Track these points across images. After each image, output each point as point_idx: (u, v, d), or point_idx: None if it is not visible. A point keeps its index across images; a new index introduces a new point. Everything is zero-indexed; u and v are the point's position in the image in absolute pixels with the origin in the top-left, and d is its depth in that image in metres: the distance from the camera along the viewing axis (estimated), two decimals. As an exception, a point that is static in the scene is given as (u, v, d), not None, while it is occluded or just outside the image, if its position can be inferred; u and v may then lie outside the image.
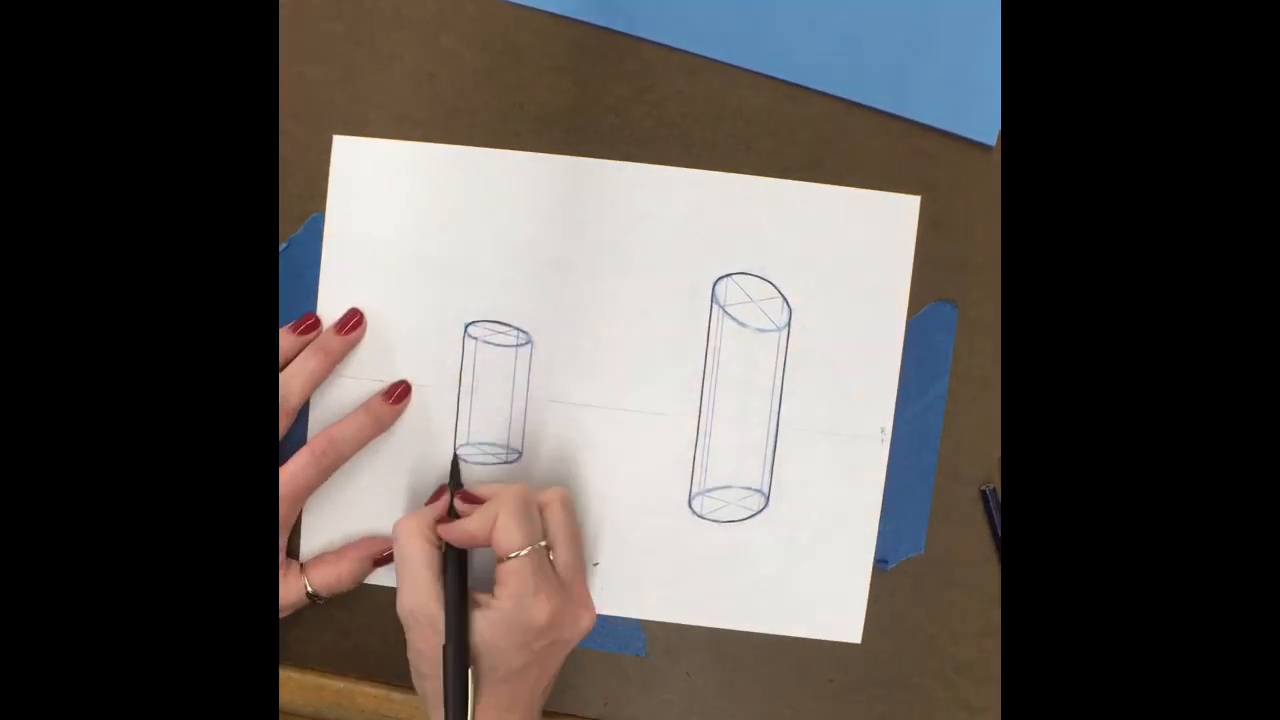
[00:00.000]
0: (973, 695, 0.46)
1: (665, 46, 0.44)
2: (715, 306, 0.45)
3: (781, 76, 0.44)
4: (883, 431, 0.45)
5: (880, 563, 0.45)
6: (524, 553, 0.39)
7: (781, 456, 0.45)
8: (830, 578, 0.46)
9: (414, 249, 0.45)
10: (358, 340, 0.45)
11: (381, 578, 0.46)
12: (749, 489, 0.45)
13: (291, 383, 0.43)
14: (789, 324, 0.45)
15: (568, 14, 0.44)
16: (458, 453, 0.45)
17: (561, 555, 0.41)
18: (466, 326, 0.45)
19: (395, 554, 0.41)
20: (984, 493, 0.45)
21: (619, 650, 0.46)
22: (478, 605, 0.40)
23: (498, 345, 0.45)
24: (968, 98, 0.43)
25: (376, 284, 0.45)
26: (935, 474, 0.45)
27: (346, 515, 0.46)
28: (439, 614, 0.39)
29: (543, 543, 0.40)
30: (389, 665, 0.46)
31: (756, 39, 0.43)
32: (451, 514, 0.42)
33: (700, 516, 0.45)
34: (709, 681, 0.46)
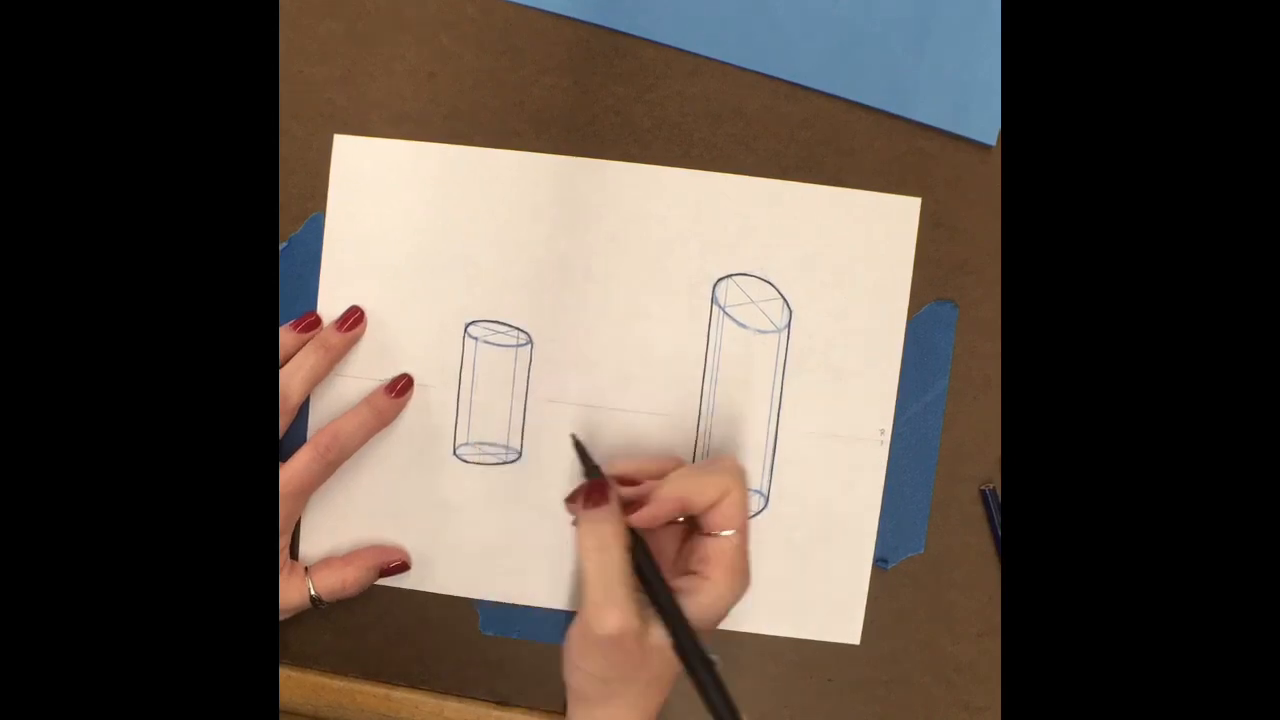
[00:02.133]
0: (973, 695, 0.46)
1: (665, 46, 0.44)
2: (715, 307, 0.45)
3: (781, 76, 0.44)
4: (882, 433, 0.45)
5: (880, 563, 0.45)
6: (737, 532, 0.38)
7: (781, 457, 0.45)
8: (830, 578, 0.46)
9: (414, 249, 0.45)
10: (358, 337, 0.45)
11: (384, 578, 0.46)
12: (749, 490, 0.45)
13: (291, 380, 0.43)
14: (789, 325, 0.45)
15: (568, 14, 0.44)
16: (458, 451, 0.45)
17: (745, 536, 0.39)
18: (466, 326, 0.45)
19: (593, 562, 0.36)
20: (984, 493, 0.45)
21: (619, 650, 0.46)
22: (680, 590, 0.37)
23: (498, 345, 0.45)
24: (968, 98, 0.43)
25: (376, 284, 0.45)
26: (935, 474, 0.45)
27: (346, 516, 0.46)
28: (643, 628, 0.36)
29: None
30: (389, 665, 0.46)
31: (756, 39, 0.43)
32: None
33: (700, 516, 0.45)
34: (709, 681, 0.46)
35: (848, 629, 0.46)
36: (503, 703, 0.47)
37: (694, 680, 0.36)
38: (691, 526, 0.40)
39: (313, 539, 0.46)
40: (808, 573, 0.46)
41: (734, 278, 0.45)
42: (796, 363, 0.45)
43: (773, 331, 0.45)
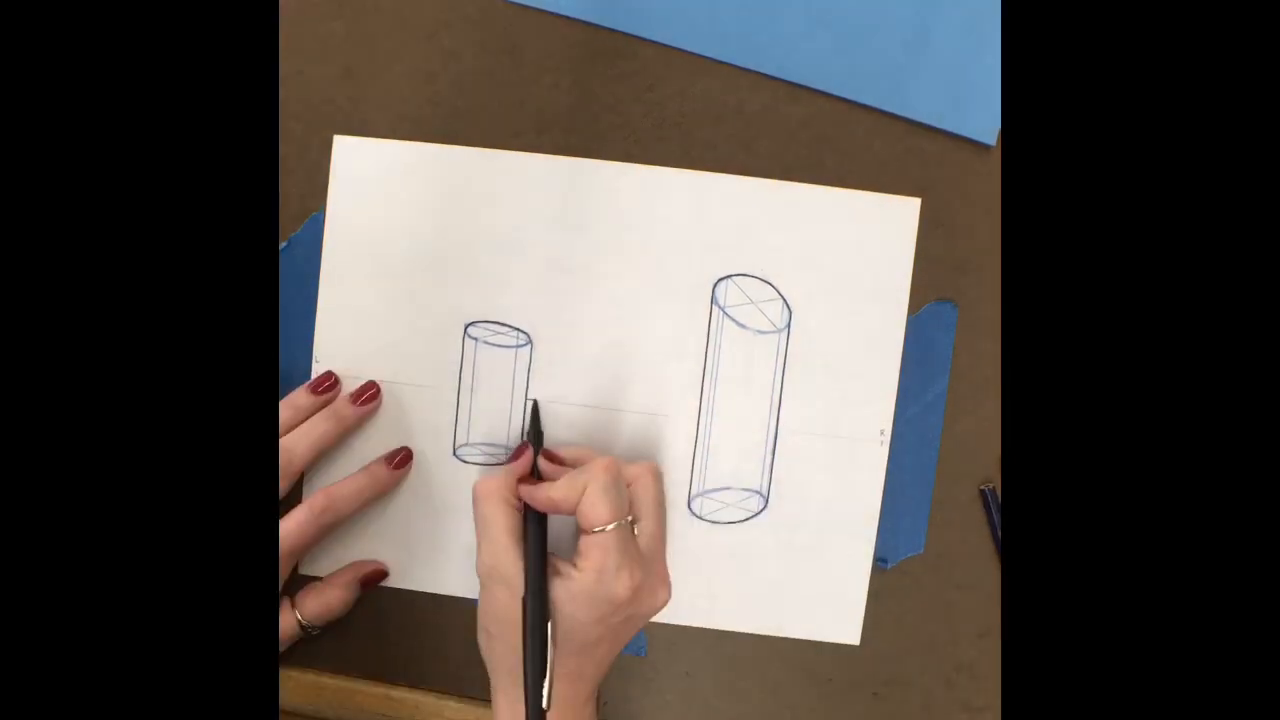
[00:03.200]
0: (973, 695, 0.46)
1: (665, 46, 0.44)
2: (715, 308, 0.45)
3: (781, 76, 0.44)
4: (882, 433, 0.45)
5: (880, 562, 0.45)
6: (610, 527, 0.39)
7: (781, 458, 0.45)
8: (830, 579, 0.46)
9: (414, 249, 0.45)
10: (372, 413, 0.45)
11: (367, 589, 0.46)
12: (748, 490, 0.45)
13: (298, 444, 0.43)
14: (789, 325, 0.45)
15: (568, 14, 0.44)
16: (457, 452, 0.45)
17: (646, 529, 0.41)
18: (466, 327, 0.45)
19: (475, 514, 0.41)
20: (984, 493, 0.45)
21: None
22: (557, 573, 0.39)
23: (497, 345, 0.45)
24: (968, 98, 0.43)
25: (376, 284, 0.45)
26: (935, 474, 0.45)
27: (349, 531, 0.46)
28: (517, 575, 0.39)
29: (629, 517, 0.40)
30: (389, 665, 0.46)
31: (756, 39, 0.43)
32: (534, 472, 0.42)
33: (700, 518, 0.45)
34: (709, 681, 0.46)
35: (848, 629, 0.46)
36: (503, 703, 0.47)
37: (521, 642, 0.38)
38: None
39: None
40: (808, 573, 0.46)
41: (734, 278, 0.45)
42: (796, 363, 0.45)
43: (773, 332, 0.45)
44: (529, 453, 0.43)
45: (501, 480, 0.41)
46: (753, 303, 0.45)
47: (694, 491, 0.45)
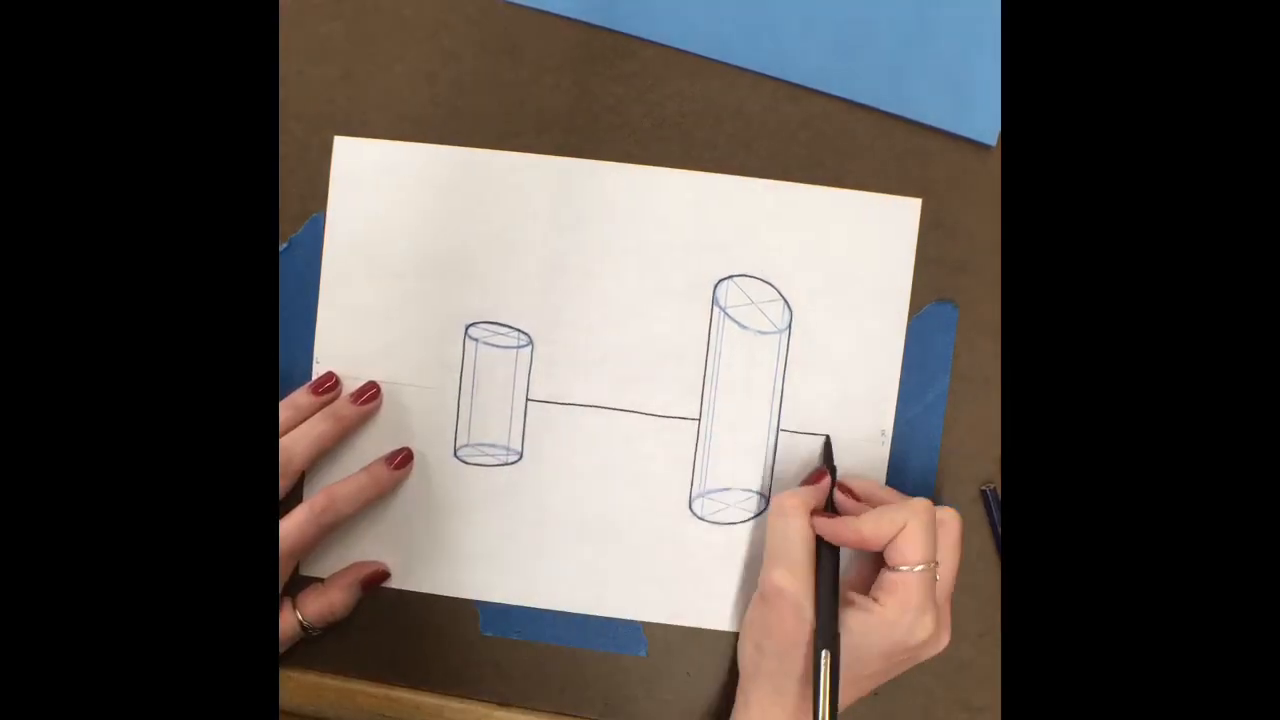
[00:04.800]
0: (973, 695, 0.46)
1: (665, 46, 0.44)
2: (716, 308, 0.45)
3: (781, 76, 0.44)
4: (883, 433, 0.45)
5: (880, 563, 0.45)
6: (919, 568, 0.38)
7: (782, 458, 0.45)
8: (830, 578, 0.46)
9: (414, 249, 0.45)
10: (372, 413, 0.45)
11: (368, 590, 0.46)
12: (749, 491, 0.45)
13: (297, 445, 0.42)
14: (789, 326, 0.45)
15: (568, 14, 0.44)
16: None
17: (945, 577, 0.40)
18: (467, 328, 0.45)
19: (774, 526, 0.41)
20: (984, 493, 0.45)
21: (619, 650, 0.46)
22: (851, 603, 0.39)
23: (498, 346, 0.45)
24: (968, 98, 0.43)
25: (376, 284, 0.45)
26: (935, 474, 0.45)
27: (352, 531, 0.46)
28: (808, 599, 0.39)
29: (935, 562, 0.39)
30: (389, 665, 0.46)
31: (756, 39, 0.43)
32: (828, 505, 0.42)
33: (700, 518, 0.45)
34: (709, 681, 0.46)
35: (848, 629, 0.46)
36: (503, 703, 0.47)
37: (813, 679, 0.38)
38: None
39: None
40: (808, 573, 0.45)
41: (734, 279, 0.45)
42: (797, 363, 0.45)
43: (773, 332, 0.45)
44: (827, 480, 0.42)
45: (804, 498, 0.41)
46: (753, 303, 0.45)
47: (695, 492, 0.45)
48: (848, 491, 0.42)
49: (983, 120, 0.43)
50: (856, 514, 0.40)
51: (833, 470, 0.43)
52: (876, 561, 0.40)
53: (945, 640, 0.40)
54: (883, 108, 0.44)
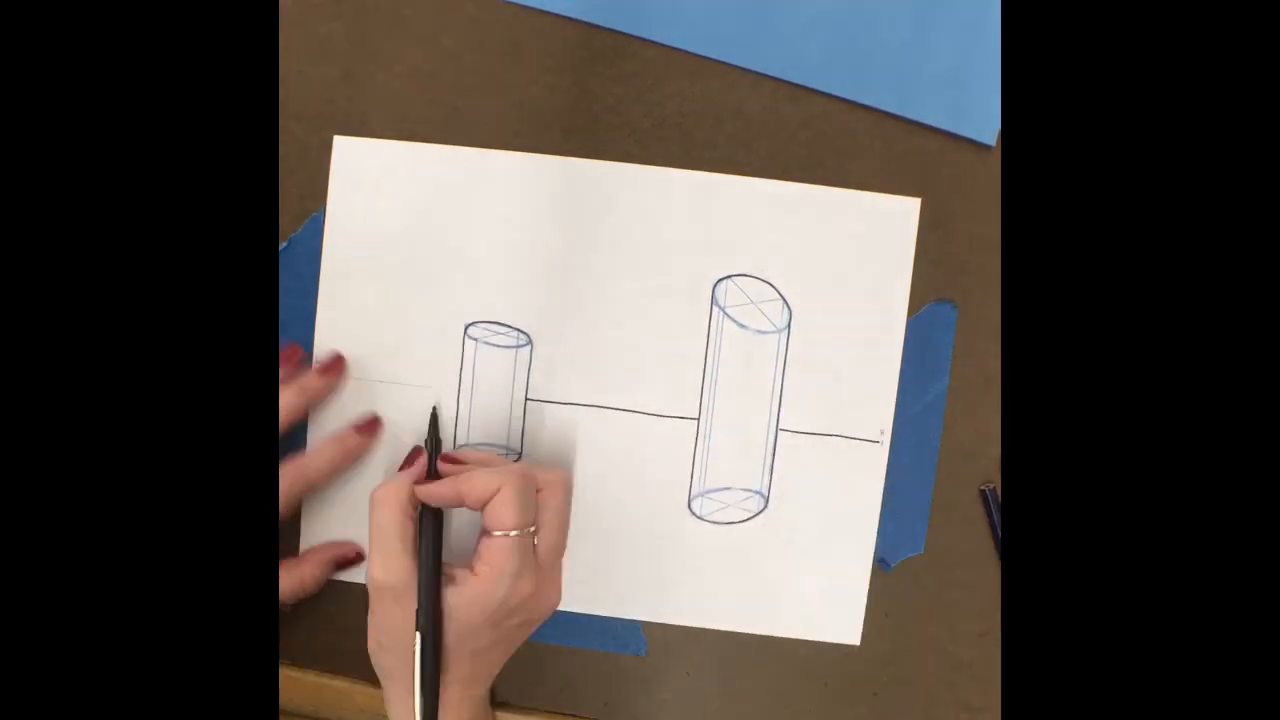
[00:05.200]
0: (973, 695, 0.46)
1: (665, 46, 0.44)
2: (715, 308, 0.45)
3: (781, 76, 0.44)
4: (882, 433, 0.45)
5: (880, 563, 0.45)
6: (514, 533, 0.39)
7: (781, 459, 0.45)
8: (830, 580, 0.46)
9: (414, 249, 0.45)
10: (337, 385, 0.45)
11: (340, 572, 0.46)
12: (749, 490, 0.45)
13: None
14: (789, 326, 0.45)
15: (568, 14, 0.44)
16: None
17: (547, 539, 0.41)
18: (466, 327, 0.45)
19: (371, 523, 0.40)
20: (984, 493, 0.45)
21: (619, 650, 0.46)
22: (452, 580, 0.40)
23: (497, 346, 0.45)
24: (968, 98, 0.43)
25: (376, 284, 0.45)
26: (935, 474, 0.45)
27: (347, 517, 0.46)
28: (409, 588, 0.39)
29: (532, 527, 0.40)
30: (389, 665, 0.46)
31: (756, 39, 0.43)
32: (431, 475, 0.42)
33: (700, 518, 0.45)
34: (709, 681, 0.46)
35: (848, 629, 0.46)
36: (503, 703, 0.47)
37: (416, 657, 0.39)
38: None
39: (314, 540, 0.46)
40: (808, 573, 0.45)
41: (734, 278, 0.45)
42: (796, 363, 0.45)
43: (773, 332, 0.45)
44: (423, 458, 0.42)
45: (397, 487, 0.40)
46: (753, 303, 0.45)
47: (694, 492, 0.45)
48: (453, 460, 0.42)
49: (983, 120, 0.43)
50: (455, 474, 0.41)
51: (437, 444, 0.43)
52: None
53: (555, 599, 0.42)
54: (883, 108, 0.44)
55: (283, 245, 0.45)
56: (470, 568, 0.40)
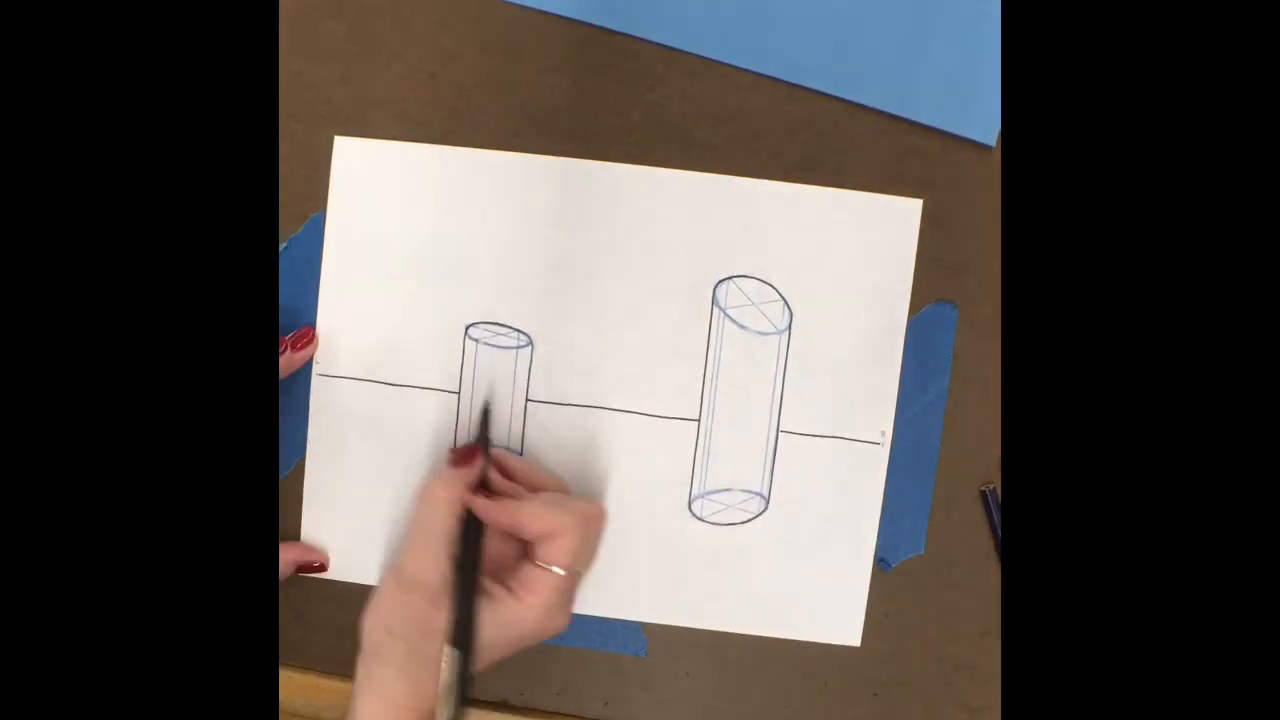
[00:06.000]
0: (973, 695, 0.46)
1: (665, 46, 0.44)
2: (716, 309, 0.45)
3: (782, 77, 0.44)
4: (883, 435, 0.45)
5: (880, 563, 0.45)
6: (564, 572, 0.39)
7: (781, 459, 0.45)
8: (830, 581, 0.46)
9: (414, 249, 0.45)
10: (307, 358, 0.45)
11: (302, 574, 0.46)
12: (749, 492, 0.45)
13: None
14: (789, 327, 0.45)
15: (568, 14, 0.44)
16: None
17: (580, 573, 0.40)
18: (467, 328, 0.45)
19: (416, 516, 0.39)
20: (984, 493, 0.45)
21: (619, 650, 0.46)
22: (488, 595, 0.39)
23: (498, 347, 0.45)
24: (968, 98, 0.43)
25: (377, 284, 0.45)
26: (935, 474, 0.45)
27: (348, 517, 0.46)
28: (443, 591, 0.38)
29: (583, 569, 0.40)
30: (389, 666, 0.46)
31: (756, 39, 0.43)
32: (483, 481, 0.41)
33: (700, 519, 0.45)
34: (709, 682, 0.46)
35: (848, 630, 0.46)
36: (503, 703, 0.47)
37: (445, 665, 0.38)
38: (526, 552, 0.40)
39: (314, 538, 0.46)
40: (808, 574, 0.45)
41: (734, 279, 0.45)
42: (797, 364, 0.45)
43: (773, 333, 0.45)
44: (480, 460, 0.41)
45: (454, 489, 0.39)
46: (753, 304, 0.45)
47: (694, 493, 0.45)
48: (504, 472, 0.42)
49: (983, 120, 0.43)
50: (509, 491, 0.41)
51: (487, 444, 0.42)
52: (517, 542, 0.41)
53: (566, 625, 0.40)
54: (883, 108, 0.44)
55: (283, 245, 0.45)
56: (508, 588, 0.39)
